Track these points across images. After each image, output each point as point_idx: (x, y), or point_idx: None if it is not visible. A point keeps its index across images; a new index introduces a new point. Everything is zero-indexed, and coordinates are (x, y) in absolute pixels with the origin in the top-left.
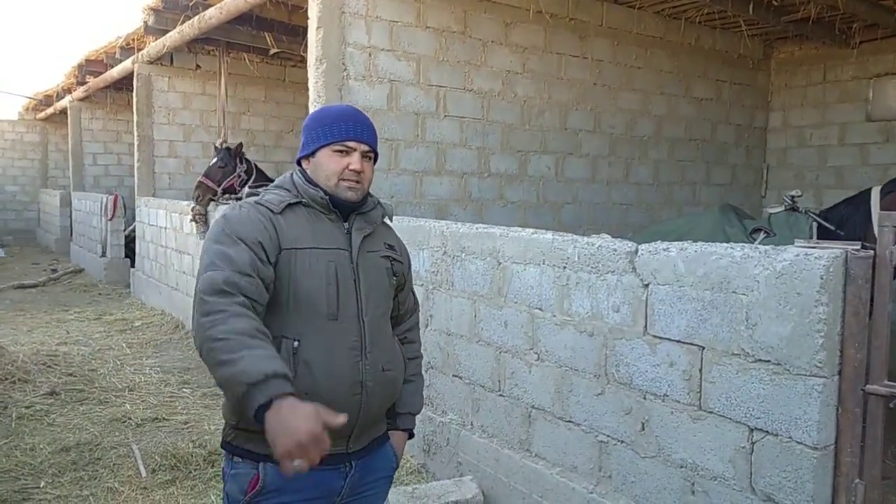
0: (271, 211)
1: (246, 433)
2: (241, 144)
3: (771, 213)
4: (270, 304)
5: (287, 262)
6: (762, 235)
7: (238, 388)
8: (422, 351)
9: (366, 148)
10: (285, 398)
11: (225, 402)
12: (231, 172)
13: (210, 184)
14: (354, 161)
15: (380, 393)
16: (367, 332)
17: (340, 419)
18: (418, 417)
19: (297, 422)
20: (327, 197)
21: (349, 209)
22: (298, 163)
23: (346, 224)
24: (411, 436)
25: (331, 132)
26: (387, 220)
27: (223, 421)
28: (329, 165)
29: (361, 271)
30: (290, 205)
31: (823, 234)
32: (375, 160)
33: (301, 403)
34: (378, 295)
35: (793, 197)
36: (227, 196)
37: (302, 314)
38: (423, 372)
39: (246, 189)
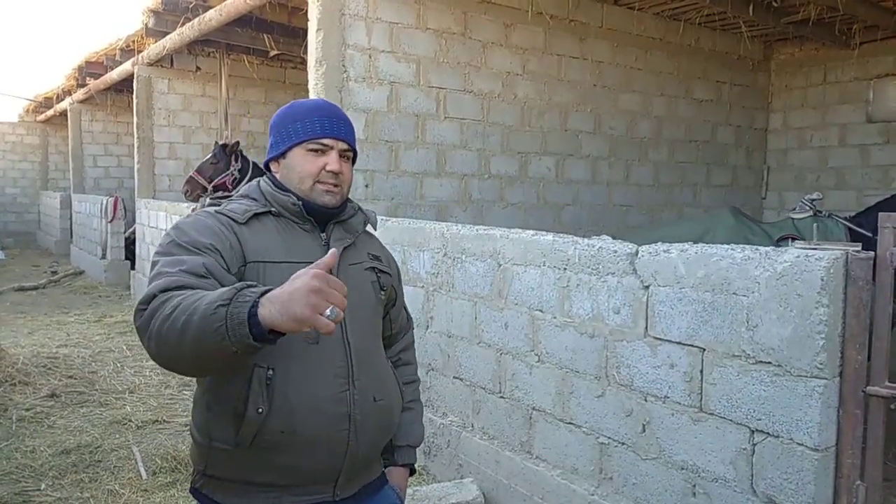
0: (234, 221)
1: (213, 480)
2: (237, 143)
3: (795, 219)
4: None
5: (255, 278)
6: (792, 243)
7: (216, 319)
8: (425, 357)
9: (344, 146)
10: (269, 293)
11: (192, 444)
12: (224, 170)
13: (200, 179)
14: (332, 161)
15: (372, 427)
16: (355, 355)
17: (332, 252)
18: None
19: (296, 282)
20: (300, 203)
21: (326, 217)
22: (266, 167)
23: (323, 235)
24: (413, 472)
25: (304, 129)
26: (369, 229)
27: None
28: (303, 166)
29: None
30: (256, 215)
31: (858, 241)
32: (354, 160)
33: (287, 282)
34: (365, 313)
35: (813, 201)
36: (218, 194)
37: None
38: (424, 374)
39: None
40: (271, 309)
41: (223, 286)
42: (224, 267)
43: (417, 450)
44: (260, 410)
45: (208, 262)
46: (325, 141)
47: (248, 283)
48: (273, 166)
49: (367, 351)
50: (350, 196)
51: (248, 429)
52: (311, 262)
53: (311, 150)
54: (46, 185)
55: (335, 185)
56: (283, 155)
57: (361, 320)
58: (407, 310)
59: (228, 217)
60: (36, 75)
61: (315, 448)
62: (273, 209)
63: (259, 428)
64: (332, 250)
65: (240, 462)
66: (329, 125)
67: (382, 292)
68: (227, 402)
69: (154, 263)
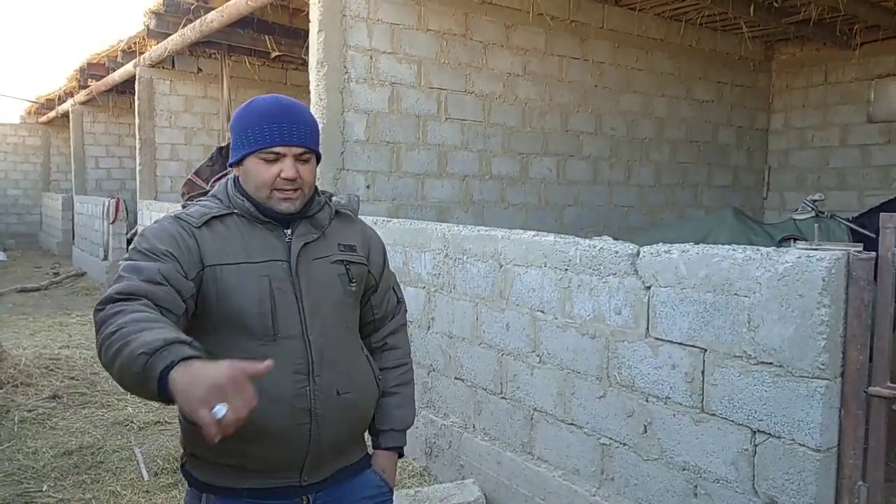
0: (191, 225)
1: (193, 458)
2: (230, 143)
3: (797, 220)
4: (200, 326)
5: (212, 280)
6: (794, 244)
7: (136, 365)
8: (426, 358)
9: (299, 150)
10: (188, 361)
11: (180, 428)
12: (220, 171)
13: (198, 181)
14: (286, 168)
15: (335, 420)
16: (315, 351)
17: (266, 363)
18: (420, 420)
19: (208, 371)
20: (254, 208)
21: (289, 216)
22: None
23: (287, 231)
24: (401, 454)
25: (254, 138)
26: (348, 213)
27: None
28: (258, 175)
29: (303, 283)
30: (215, 217)
31: (860, 242)
32: (318, 159)
33: (209, 363)
34: (328, 307)
35: (815, 201)
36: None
37: (235, 336)
38: (425, 375)
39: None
40: (179, 381)
41: (179, 291)
42: (181, 273)
43: (419, 450)
44: None
45: (164, 269)
46: (277, 149)
47: (184, 339)
48: (236, 169)
49: (332, 346)
50: (351, 196)
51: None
52: (273, 261)
53: (265, 159)
54: (48, 186)
55: (293, 191)
56: (240, 162)
57: (325, 316)
58: (398, 291)
59: (186, 222)
60: (38, 77)
61: (277, 440)
62: (235, 211)
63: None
64: (267, 362)
65: (212, 446)
66: (279, 132)
67: (352, 284)
68: None
69: (119, 268)
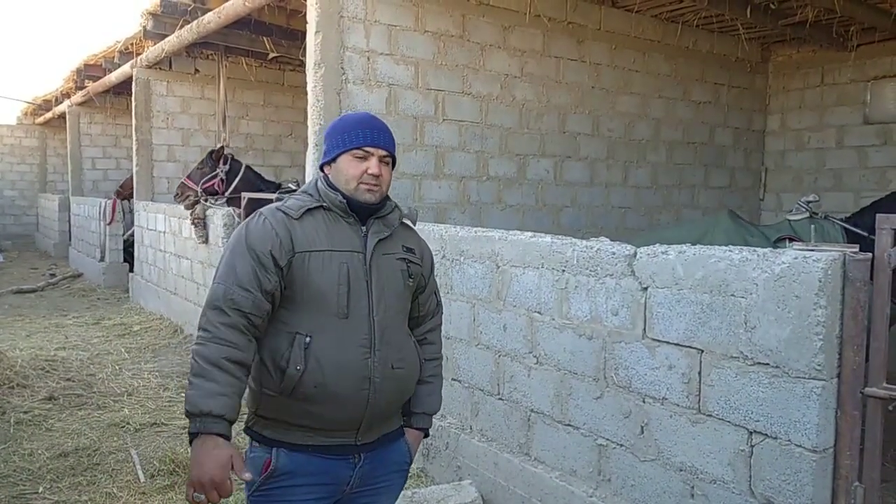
0: (290, 217)
1: (263, 420)
2: (222, 147)
3: (791, 221)
4: (287, 301)
5: (301, 264)
6: (790, 244)
7: (185, 409)
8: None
9: (383, 153)
10: (210, 437)
11: (248, 391)
12: (209, 173)
13: (190, 184)
14: (373, 165)
15: (388, 389)
16: (378, 330)
17: (246, 476)
18: None
19: (208, 463)
20: (345, 201)
21: (367, 212)
22: (322, 168)
23: (363, 227)
24: (426, 435)
25: (349, 139)
26: (407, 223)
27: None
28: (349, 170)
29: (374, 272)
30: (309, 209)
31: (854, 242)
32: (394, 164)
33: (220, 447)
34: (391, 295)
35: (808, 202)
36: (214, 198)
37: (314, 312)
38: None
39: (231, 187)
40: (192, 452)
41: (265, 290)
42: (271, 268)
43: (418, 449)
44: (298, 368)
45: (255, 275)
46: (367, 149)
47: (217, 413)
48: (326, 169)
49: (391, 327)
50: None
51: (288, 382)
52: (351, 251)
53: (356, 156)
54: (45, 187)
55: (376, 185)
56: (333, 160)
57: (388, 301)
58: (438, 296)
59: (286, 214)
60: (35, 78)
61: (340, 402)
62: (325, 204)
63: (296, 382)
64: (246, 475)
65: (282, 407)
66: (370, 135)
67: (410, 280)
68: (274, 360)
69: (223, 257)
